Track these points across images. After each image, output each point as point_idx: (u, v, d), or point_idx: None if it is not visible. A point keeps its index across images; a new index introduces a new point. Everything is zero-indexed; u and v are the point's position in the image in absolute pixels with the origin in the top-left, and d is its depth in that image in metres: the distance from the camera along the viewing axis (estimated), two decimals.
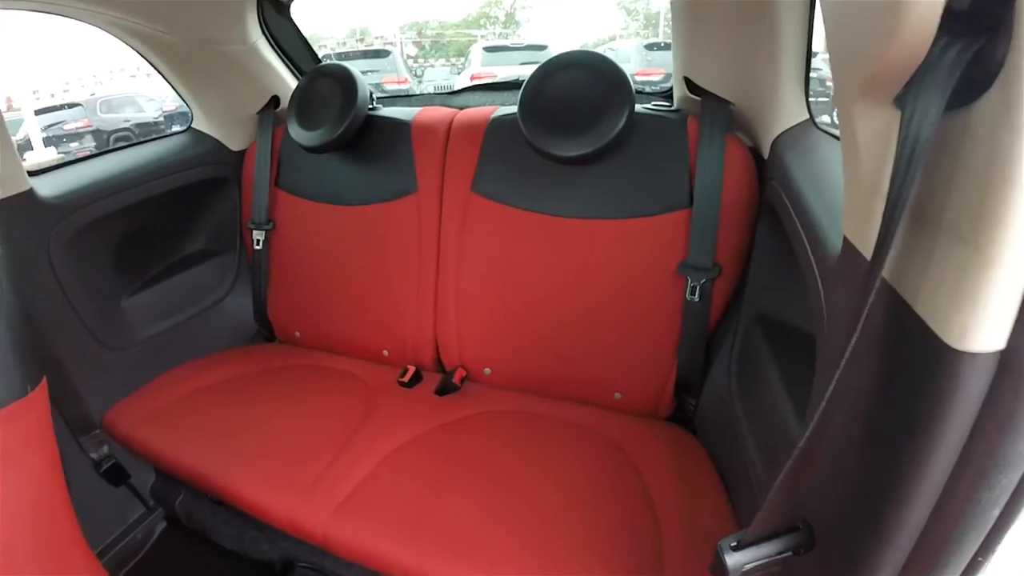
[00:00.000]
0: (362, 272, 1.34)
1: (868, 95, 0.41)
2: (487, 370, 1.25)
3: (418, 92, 1.69)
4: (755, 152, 1.04)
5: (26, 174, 1.11)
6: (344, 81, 1.27)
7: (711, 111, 1.02)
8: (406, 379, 1.24)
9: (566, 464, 1.00)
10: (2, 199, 1.07)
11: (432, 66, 17.96)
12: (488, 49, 8.46)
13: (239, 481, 1.00)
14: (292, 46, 1.45)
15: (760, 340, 0.95)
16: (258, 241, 1.43)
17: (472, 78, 7.53)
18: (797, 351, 0.86)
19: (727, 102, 1.02)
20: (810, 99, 0.92)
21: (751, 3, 0.85)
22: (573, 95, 1.06)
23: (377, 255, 1.32)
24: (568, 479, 0.96)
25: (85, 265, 1.23)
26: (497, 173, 1.19)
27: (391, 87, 7.91)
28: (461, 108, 1.38)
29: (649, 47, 8.72)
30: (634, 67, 8.11)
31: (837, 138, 0.88)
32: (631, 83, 1.03)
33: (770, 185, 0.96)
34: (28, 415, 0.70)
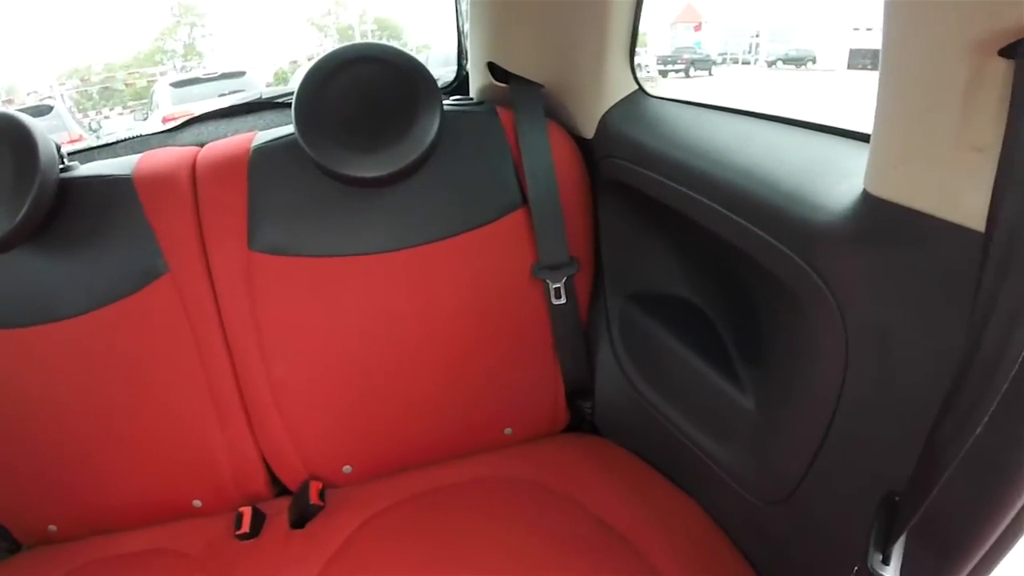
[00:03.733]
0: (118, 406, 0.92)
1: (975, 44, 0.37)
2: (347, 468, 0.97)
3: (115, 140, 1.23)
4: (573, 133, 0.96)
5: None
6: (9, 134, 0.83)
7: (524, 97, 0.91)
8: (245, 528, 0.90)
9: (506, 535, 0.83)
10: None
11: (107, 117, 15.19)
12: (176, 84, 7.32)
13: None
14: None
15: (646, 320, 0.89)
16: None
17: (164, 120, 6.47)
18: (689, 314, 0.82)
19: (539, 85, 0.91)
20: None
21: None
22: (369, 98, 0.84)
23: (135, 374, 0.92)
24: (522, 551, 0.80)
25: None
26: (279, 217, 0.90)
27: (67, 148, 6.41)
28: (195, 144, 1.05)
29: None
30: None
31: (680, 101, 0.85)
32: (430, 73, 0.85)
33: (606, 163, 0.89)
34: None
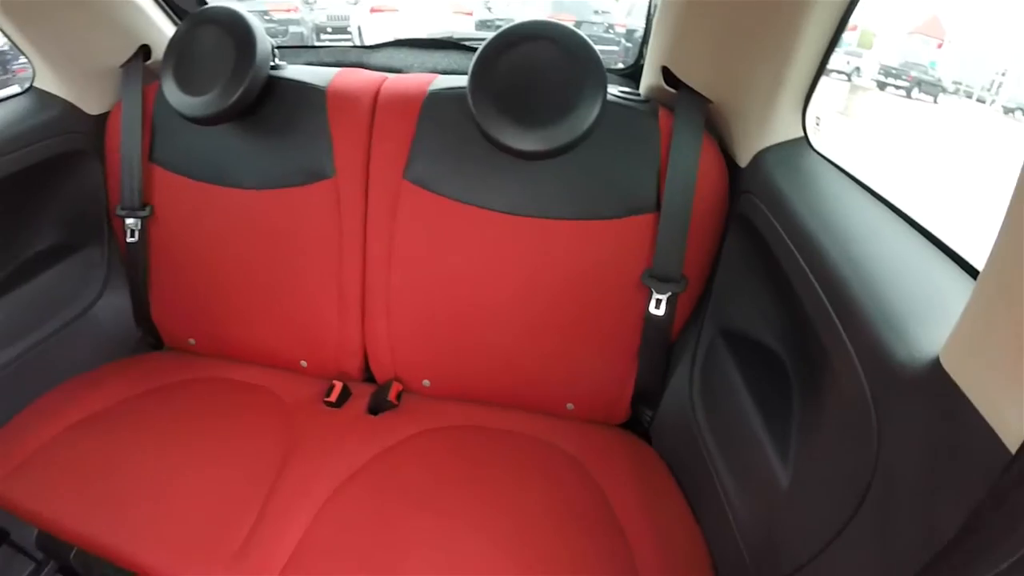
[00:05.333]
0: (269, 269, 1.13)
1: None
2: (426, 382, 1.11)
3: (321, 44, 1.40)
4: (728, 158, 0.96)
5: None
6: (237, 31, 1.00)
7: (688, 107, 0.92)
8: (332, 398, 1.08)
9: (524, 487, 0.93)
10: None
11: None
12: None
13: (145, 556, 0.83)
14: None
15: (726, 355, 0.91)
16: (132, 231, 1.16)
17: (372, 11, 6.86)
18: (767, 370, 0.83)
19: (707, 100, 0.91)
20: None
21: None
22: (536, 75, 0.89)
23: (287, 249, 1.11)
24: (529, 505, 0.90)
25: None
26: (434, 158, 1.01)
27: (280, 15, 7.08)
28: (385, 71, 1.17)
29: None
30: None
31: (838, 168, 0.83)
32: (602, 63, 0.89)
33: (746, 198, 0.89)
34: None
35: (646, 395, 1.05)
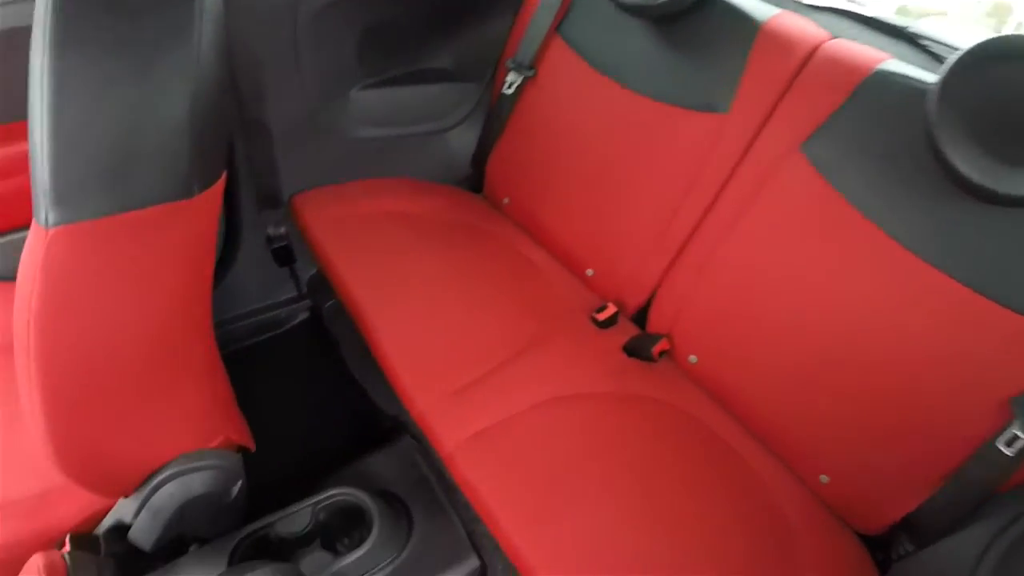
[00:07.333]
0: (614, 173, 1.11)
1: None
2: (692, 358, 1.04)
3: None
4: None
5: None
6: None
7: None
8: (602, 317, 1.07)
9: (721, 524, 0.84)
10: None
11: None
12: None
13: (389, 345, 0.94)
14: None
15: None
16: (510, 84, 1.23)
17: None
18: None
19: None
20: None
21: None
22: None
23: (641, 162, 1.08)
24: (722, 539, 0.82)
25: (326, 42, 1.13)
26: (847, 147, 0.87)
27: None
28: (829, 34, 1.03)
29: None
30: None
31: None
32: None
33: None
34: (189, 214, 0.61)
35: (918, 526, 0.84)
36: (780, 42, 0.95)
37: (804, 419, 0.92)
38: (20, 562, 0.69)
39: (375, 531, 0.85)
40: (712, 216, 1.00)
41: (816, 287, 0.89)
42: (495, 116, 1.28)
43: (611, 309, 1.08)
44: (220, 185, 0.66)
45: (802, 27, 0.97)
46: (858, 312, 0.86)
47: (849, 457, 0.89)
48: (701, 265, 1.01)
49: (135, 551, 0.74)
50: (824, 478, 0.90)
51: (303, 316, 1.35)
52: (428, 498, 0.97)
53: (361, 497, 0.88)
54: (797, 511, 0.89)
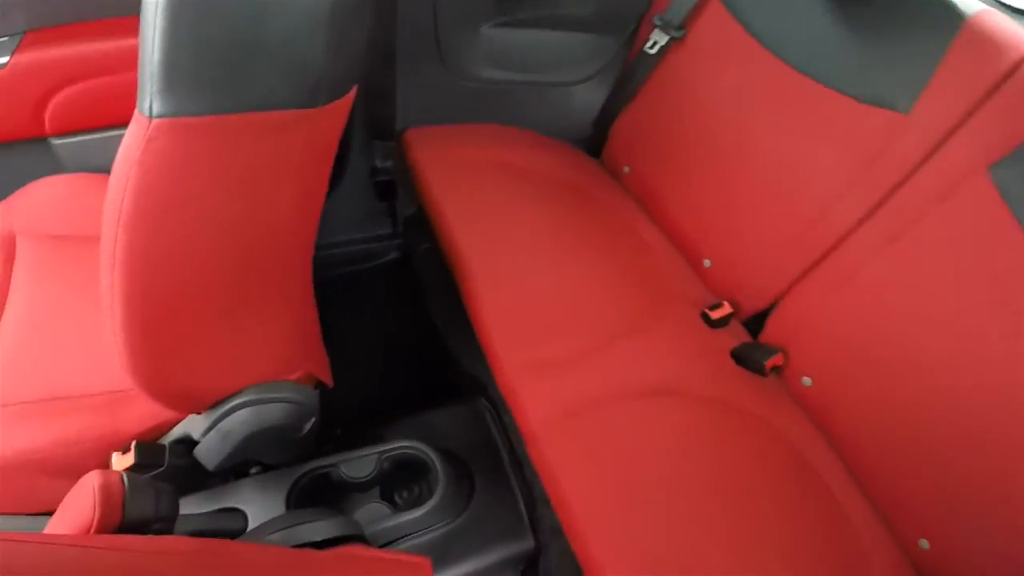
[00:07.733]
0: (754, 160, 0.98)
1: None
2: (807, 380, 0.92)
3: None
4: None
5: None
6: None
7: None
8: (715, 315, 0.97)
9: (816, 564, 0.77)
10: None
11: None
12: None
13: (486, 299, 0.89)
14: None
15: None
16: (653, 44, 1.11)
17: None
18: None
19: None
20: None
21: None
22: None
23: (790, 151, 0.94)
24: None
25: None
26: None
27: None
28: None
29: None
30: None
31: None
32: None
33: None
34: (311, 125, 0.55)
35: None
36: (986, 42, 0.78)
37: (916, 475, 0.81)
38: (82, 461, 0.68)
39: (439, 493, 0.82)
40: (867, 227, 0.86)
41: (973, 336, 0.75)
42: (629, 77, 1.16)
43: (726, 308, 0.98)
44: (349, 99, 0.60)
45: (1014, 31, 0.80)
46: (1019, 387, 0.71)
47: (958, 526, 0.77)
48: (842, 280, 0.88)
49: (197, 466, 0.73)
50: (924, 543, 0.80)
51: (393, 255, 1.32)
52: (493, 467, 0.93)
53: (431, 455, 0.85)
54: (884, 572, 0.79)
